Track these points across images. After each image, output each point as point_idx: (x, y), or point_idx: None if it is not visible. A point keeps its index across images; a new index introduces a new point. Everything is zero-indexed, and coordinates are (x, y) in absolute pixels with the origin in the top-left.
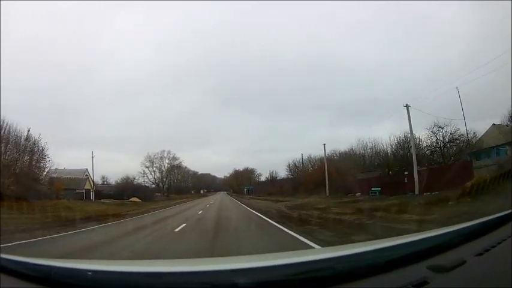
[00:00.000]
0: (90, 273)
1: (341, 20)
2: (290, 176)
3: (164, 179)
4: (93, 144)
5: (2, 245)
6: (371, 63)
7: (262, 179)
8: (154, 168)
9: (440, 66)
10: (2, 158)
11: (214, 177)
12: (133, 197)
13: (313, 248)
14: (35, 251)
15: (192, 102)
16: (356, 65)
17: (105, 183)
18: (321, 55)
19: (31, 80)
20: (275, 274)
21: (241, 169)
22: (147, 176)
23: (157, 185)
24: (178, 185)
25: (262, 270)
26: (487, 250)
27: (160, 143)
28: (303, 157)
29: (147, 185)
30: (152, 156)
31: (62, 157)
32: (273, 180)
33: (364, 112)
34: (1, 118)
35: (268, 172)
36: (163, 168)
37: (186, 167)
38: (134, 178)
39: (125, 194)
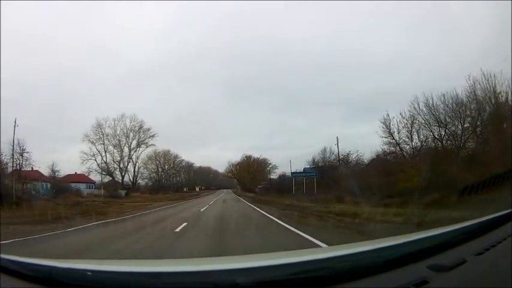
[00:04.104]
0: (90, 273)
1: (357, 13)
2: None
3: (125, 165)
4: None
5: None
6: (385, 57)
7: (278, 172)
8: (109, 146)
9: (454, 60)
10: None
11: (216, 171)
12: None
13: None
14: None
15: (197, 95)
16: (371, 59)
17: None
18: (335, 49)
19: (28, 73)
20: (275, 274)
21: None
22: (96, 160)
23: (111, 175)
24: (165, 178)
25: (262, 270)
26: (487, 249)
27: (162, 136)
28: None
29: (89, 175)
30: (104, 124)
31: (67, 152)
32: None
33: (378, 106)
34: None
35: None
36: (123, 145)
37: (175, 154)
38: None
39: None
